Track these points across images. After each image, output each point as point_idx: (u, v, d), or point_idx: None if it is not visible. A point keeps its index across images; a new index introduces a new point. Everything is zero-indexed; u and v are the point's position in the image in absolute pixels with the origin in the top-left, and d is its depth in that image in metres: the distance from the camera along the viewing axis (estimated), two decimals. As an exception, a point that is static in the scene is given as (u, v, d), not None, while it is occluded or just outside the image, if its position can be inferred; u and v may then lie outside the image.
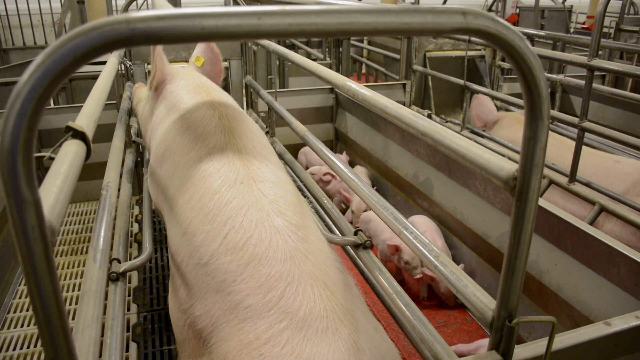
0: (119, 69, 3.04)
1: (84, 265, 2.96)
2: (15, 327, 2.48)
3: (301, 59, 1.98)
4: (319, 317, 1.04)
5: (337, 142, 4.59)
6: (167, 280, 2.69)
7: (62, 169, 0.88)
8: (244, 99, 3.70)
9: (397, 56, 4.98)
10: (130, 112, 2.60)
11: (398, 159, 3.64)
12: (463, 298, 1.02)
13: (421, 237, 1.25)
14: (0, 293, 2.65)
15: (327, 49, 5.33)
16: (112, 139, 1.98)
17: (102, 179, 1.59)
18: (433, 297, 2.87)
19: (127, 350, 2.10)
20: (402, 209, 3.58)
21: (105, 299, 1.23)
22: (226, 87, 3.84)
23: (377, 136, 3.91)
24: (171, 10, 0.58)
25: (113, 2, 5.25)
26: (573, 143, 2.73)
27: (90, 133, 1.12)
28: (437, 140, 1.01)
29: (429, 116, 4.20)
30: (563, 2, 7.18)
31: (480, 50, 4.68)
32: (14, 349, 2.32)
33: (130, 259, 1.50)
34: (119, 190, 1.74)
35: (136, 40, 0.56)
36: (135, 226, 2.78)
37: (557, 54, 3.03)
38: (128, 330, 2.23)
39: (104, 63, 2.33)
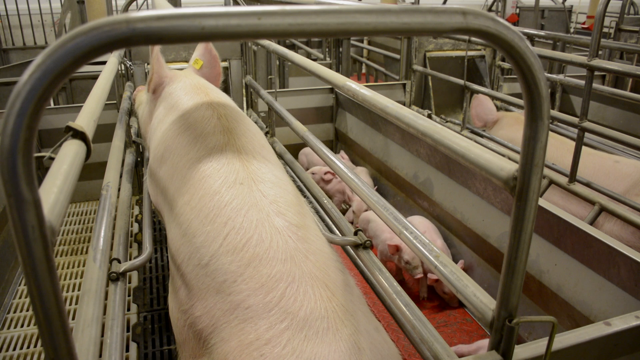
0: (119, 69, 3.04)
1: (84, 265, 2.96)
2: (15, 327, 2.48)
3: (301, 59, 1.97)
4: (319, 317, 1.04)
5: (337, 142, 4.59)
6: (167, 280, 2.69)
7: (62, 169, 0.88)
8: (244, 99, 3.69)
9: (397, 56, 4.98)
10: (130, 112, 2.60)
11: (398, 159, 3.64)
12: (463, 298, 1.02)
13: (421, 237, 1.25)
14: (0, 293, 2.65)
15: (327, 49, 5.33)
16: (112, 139, 1.98)
17: (102, 179, 1.59)
18: (433, 297, 2.87)
19: (127, 350, 2.10)
20: (402, 209, 3.58)
21: (105, 299, 1.23)
22: (226, 87, 3.84)
23: (377, 136, 3.91)
24: (171, 10, 0.58)
25: (113, 2, 5.24)
26: (573, 143, 2.73)
27: (90, 133, 1.11)
28: (437, 140, 1.01)
29: (429, 116, 4.20)
30: (563, 2, 7.19)
31: (480, 50, 4.68)
32: (14, 349, 2.32)
33: (130, 259, 1.50)
34: (119, 190, 1.74)
35: (136, 40, 0.56)
36: (135, 226, 2.78)
37: (557, 54, 3.03)
38: (128, 330, 2.23)
39: (104, 63, 2.32)
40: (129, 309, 2.37)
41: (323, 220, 2.15)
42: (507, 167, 0.84)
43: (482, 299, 0.98)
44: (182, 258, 1.27)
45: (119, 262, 1.44)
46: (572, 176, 2.73)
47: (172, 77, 1.88)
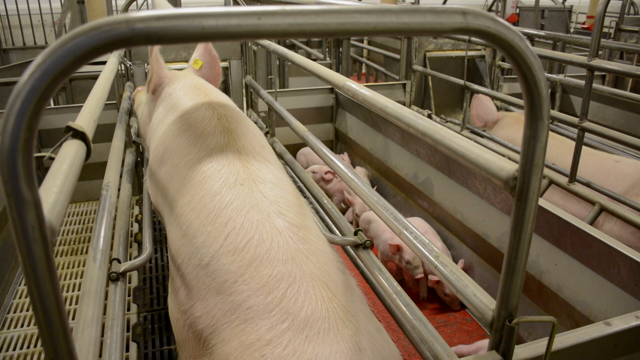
0: (119, 69, 3.04)
1: (84, 265, 2.96)
2: (15, 327, 2.48)
3: (301, 59, 1.97)
4: (320, 318, 1.04)
5: (337, 142, 4.59)
6: (167, 280, 2.69)
7: (62, 169, 0.88)
8: (244, 99, 3.69)
9: (397, 56, 4.98)
10: (130, 112, 2.60)
11: (398, 159, 3.64)
12: (463, 298, 1.02)
13: (421, 237, 1.25)
14: (0, 293, 2.65)
15: (327, 49, 5.33)
16: (112, 139, 1.98)
17: (102, 179, 1.59)
18: (433, 297, 2.87)
19: (127, 350, 2.10)
20: (402, 209, 3.58)
21: (105, 299, 1.23)
22: (226, 87, 3.84)
23: (377, 136, 3.91)
24: (171, 10, 0.58)
25: (113, 2, 5.25)
26: (573, 143, 2.73)
27: (90, 133, 1.11)
28: (437, 140, 1.01)
29: (429, 116, 4.20)
30: (563, 2, 7.19)
31: (480, 50, 4.68)
32: (14, 349, 2.32)
33: (130, 259, 1.50)
34: (119, 190, 1.74)
35: (136, 40, 0.56)
36: (135, 226, 2.78)
37: (557, 54, 3.03)
38: (128, 330, 2.23)
39: (104, 63, 2.32)
40: (129, 309, 2.37)
41: (323, 220, 2.15)
42: (507, 167, 0.84)
43: (482, 299, 0.98)
44: (183, 258, 1.27)
45: (119, 262, 1.44)
46: (572, 176, 2.73)
47: (171, 78, 1.88)
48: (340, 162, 1.78)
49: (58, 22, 6.86)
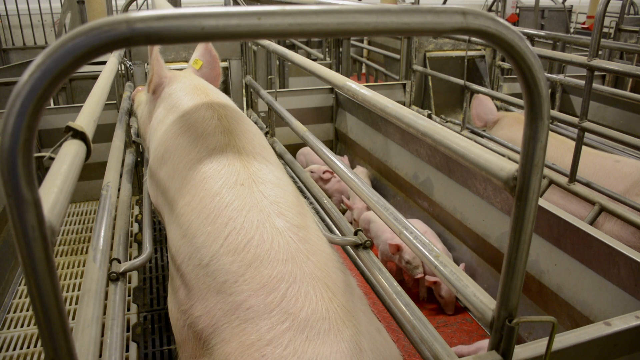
0: (119, 69, 3.04)
1: (84, 265, 2.96)
2: (15, 327, 2.48)
3: (301, 59, 1.97)
4: (321, 318, 1.04)
5: (337, 142, 4.59)
6: (167, 280, 2.69)
7: (62, 169, 0.88)
8: (244, 99, 3.69)
9: (397, 56, 4.98)
10: (130, 112, 2.60)
11: (398, 159, 3.64)
12: (463, 298, 1.02)
13: (421, 237, 1.25)
14: (0, 293, 2.65)
15: (327, 49, 5.33)
16: (112, 139, 1.98)
17: (102, 179, 1.59)
18: (434, 297, 2.87)
19: (127, 350, 2.10)
20: (402, 209, 3.58)
21: (105, 299, 1.23)
22: (226, 87, 3.84)
23: (377, 136, 3.91)
24: (171, 10, 0.58)
25: (113, 2, 5.24)
26: (573, 143, 2.73)
27: (90, 133, 1.11)
28: (437, 140, 1.01)
29: (429, 116, 4.20)
30: (563, 2, 7.19)
31: (480, 50, 4.68)
32: (14, 349, 2.32)
33: (130, 259, 1.50)
34: (119, 190, 1.74)
35: (136, 40, 0.56)
36: (135, 226, 2.78)
37: (557, 54, 3.03)
38: (128, 330, 2.23)
39: (104, 63, 2.32)
40: (129, 309, 2.38)
41: (323, 220, 2.15)
42: (507, 167, 0.84)
43: (482, 299, 0.98)
44: (183, 258, 1.27)
45: (119, 262, 1.44)
46: (572, 176, 2.73)
47: (171, 78, 1.88)
48: (340, 162, 1.78)
49: (58, 22, 6.86)
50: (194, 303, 1.18)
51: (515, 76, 4.51)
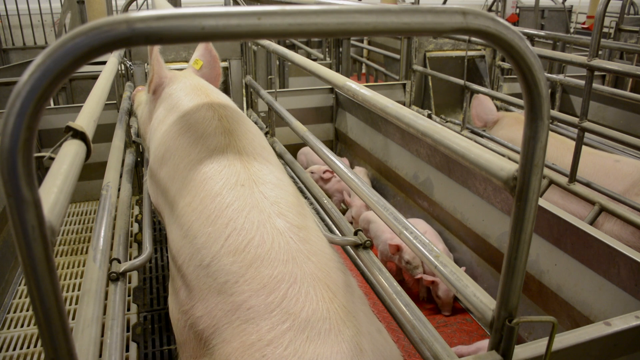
0: (119, 69, 3.04)
1: (84, 265, 2.96)
2: (15, 327, 2.48)
3: (301, 59, 1.97)
4: (321, 318, 1.04)
5: (337, 142, 4.59)
6: (167, 280, 2.69)
7: (62, 169, 0.88)
8: (244, 99, 3.69)
9: (397, 56, 4.98)
10: (130, 112, 2.60)
11: (398, 159, 3.64)
12: (463, 298, 1.02)
13: (421, 237, 1.25)
14: (0, 293, 2.65)
15: (327, 49, 5.33)
16: (112, 139, 1.98)
17: (102, 179, 1.59)
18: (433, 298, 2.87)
19: (127, 350, 2.10)
20: (402, 209, 3.58)
21: (105, 299, 1.23)
22: (226, 88, 3.84)
23: (377, 136, 3.91)
24: (171, 10, 0.58)
25: (113, 2, 5.24)
26: (573, 143, 2.73)
27: (90, 133, 1.12)
28: (437, 140, 1.01)
29: (429, 116, 4.20)
30: (563, 2, 7.19)
31: (480, 50, 4.68)
32: (14, 349, 2.32)
33: (130, 259, 1.50)
34: (119, 190, 1.74)
35: (136, 40, 0.56)
36: (135, 226, 2.78)
37: (557, 54, 3.03)
38: (128, 330, 2.23)
39: (104, 63, 2.32)
40: (129, 309, 2.38)
41: (323, 220, 2.15)
42: (507, 167, 0.84)
43: (482, 299, 0.98)
44: (183, 259, 1.27)
45: (119, 262, 1.44)
46: (572, 176, 2.73)
47: (172, 78, 1.88)
48: (340, 162, 1.78)
49: (58, 22, 6.86)
50: (195, 303, 1.18)
51: (515, 76, 4.51)
